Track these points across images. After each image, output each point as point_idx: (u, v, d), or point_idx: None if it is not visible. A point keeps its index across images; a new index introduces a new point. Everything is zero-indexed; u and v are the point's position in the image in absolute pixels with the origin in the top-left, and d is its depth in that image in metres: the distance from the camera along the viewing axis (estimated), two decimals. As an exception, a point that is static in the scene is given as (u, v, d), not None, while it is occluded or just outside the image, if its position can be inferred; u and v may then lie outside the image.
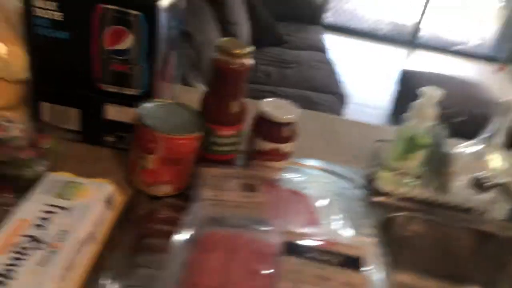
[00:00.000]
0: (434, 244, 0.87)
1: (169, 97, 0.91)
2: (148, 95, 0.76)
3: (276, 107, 0.76)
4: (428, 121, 0.82)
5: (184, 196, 0.74)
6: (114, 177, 0.75)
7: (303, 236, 0.59)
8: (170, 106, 0.74)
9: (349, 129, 1.12)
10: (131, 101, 0.76)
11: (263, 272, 0.52)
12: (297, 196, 0.73)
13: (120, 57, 0.73)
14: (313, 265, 0.53)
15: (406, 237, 0.87)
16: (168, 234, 0.66)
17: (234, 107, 0.75)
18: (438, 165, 0.84)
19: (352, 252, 0.57)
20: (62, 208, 0.56)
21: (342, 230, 0.66)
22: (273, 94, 1.79)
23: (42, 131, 0.68)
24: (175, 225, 0.68)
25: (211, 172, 0.72)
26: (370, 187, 0.88)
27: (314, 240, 0.58)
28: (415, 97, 0.84)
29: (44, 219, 0.54)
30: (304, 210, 0.69)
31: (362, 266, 0.56)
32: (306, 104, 1.99)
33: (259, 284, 0.51)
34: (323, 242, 0.57)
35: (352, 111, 2.48)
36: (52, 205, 0.56)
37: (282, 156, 0.78)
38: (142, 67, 0.74)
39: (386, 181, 0.88)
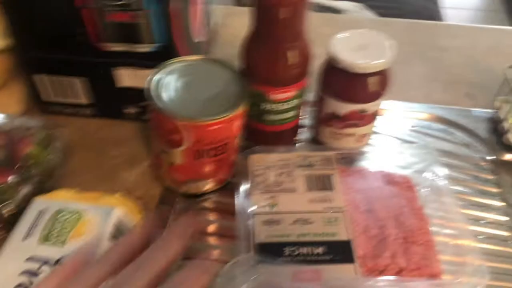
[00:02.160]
0: None
1: (204, 37, 0.67)
2: (168, 50, 0.53)
3: (355, 48, 0.50)
4: None
5: (231, 187, 0.54)
6: (141, 163, 0.57)
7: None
8: (197, 67, 0.51)
9: (456, 42, 0.81)
10: (147, 61, 0.54)
11: None
12: (394, 186, 0.49)
13: (117, 3, 0.49)
14: None
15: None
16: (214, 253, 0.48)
17: (294, 56, 0.49)
18: None
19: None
20: (47, 263, 0.38)
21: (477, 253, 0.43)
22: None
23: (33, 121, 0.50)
24: (222, 236, 0.49)
25: (264, 161, 0.50)
26: (499, 140, 0.61)
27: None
28: None
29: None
30: (408, 215, 0.46)
31: None
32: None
33: None
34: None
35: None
36: (35, 260, 0.39)
37: (367, 118, 0.53)
38: (150, 11, 0.50)
39: (524, 131, 0.60)
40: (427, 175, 0.50)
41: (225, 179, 0.53)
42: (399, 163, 0.52)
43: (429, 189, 0.49)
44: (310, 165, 0.50)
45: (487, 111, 0.65)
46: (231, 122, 0.47)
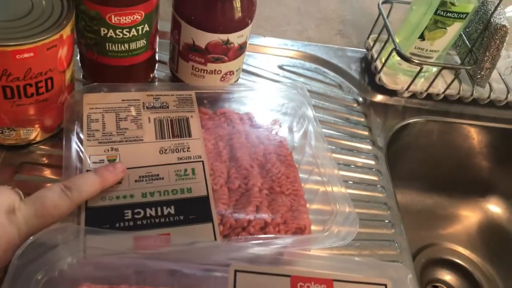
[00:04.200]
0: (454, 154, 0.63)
1: None
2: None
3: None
4: (476, -26, 0.49)
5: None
6: None
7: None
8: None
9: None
10: None
11: None
12: (261, 131, 0.43)
13: None
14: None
15: (420, 149, 0.61)
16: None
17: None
18: (481, 46, 0.54)
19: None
20: None
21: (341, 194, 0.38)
22: None
23: None
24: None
25: (103, 101, 0.40)
26: (369, 81, 0.59)
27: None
28: None
29: None
30: (276, 162, 0.40)
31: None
32: None
33: None
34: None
35: None
36: None
37: (233, 52, 0.45)
38: None
39: (394, 71, 0.58)
40: (297, 118, 0.45)
41: (54, 125, 0.42)
42: (268, 105, 0.46)
43: (299, 133, 0.44)
44: (162, 107, 0.41)
45: (360, 51, 0.62)
46: (52, 50, 0.35)
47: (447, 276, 0.63)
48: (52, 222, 0.30)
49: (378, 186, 0.49)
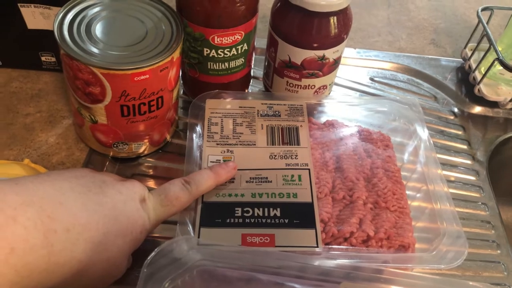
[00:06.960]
0: None
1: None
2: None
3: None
4: None
5: (171, 149, 0.47)
6: (62, 121, 0.48)
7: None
8: (119, 2, 0.41)
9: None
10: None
11: None
12: (370, 144, 0.42)
13: None
14: None
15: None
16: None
17: (239, -10, 0.41)
18: None
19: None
20: None
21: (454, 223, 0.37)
22: None
23: None
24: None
25: (222, 107, 0.44)
26: (466, 92, 0.56)
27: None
28: None
29: None
30: (383, 177, 0.39)
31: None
32: None
33: None
34: None
35: None
36: None
37: (327, 67, 0.46)
38: None
39: (495, 81, 0.55)
40: (408, 134, 0.44)
41: (161, 140, 0.45)
42: (378, 119, 0.45)
43: (409, 150, 0.43)
44: (275, 115, 0.44)
45: (455, 60, 0.60)
46: (164, 71, 0.38)
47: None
48: (174, 212, 0.34)
49: (480, 203, 0.47)
